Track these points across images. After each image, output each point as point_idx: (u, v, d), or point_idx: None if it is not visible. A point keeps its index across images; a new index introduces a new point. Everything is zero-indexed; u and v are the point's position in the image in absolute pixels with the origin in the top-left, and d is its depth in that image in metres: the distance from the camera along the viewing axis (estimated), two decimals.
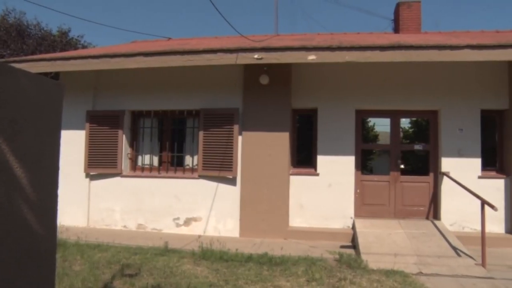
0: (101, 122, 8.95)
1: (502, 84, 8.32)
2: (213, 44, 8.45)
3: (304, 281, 5.20)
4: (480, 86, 8.36)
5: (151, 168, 9.12)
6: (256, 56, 7.63)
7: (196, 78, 8.76)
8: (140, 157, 9.25)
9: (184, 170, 8.96)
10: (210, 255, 6.26)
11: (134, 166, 9.20)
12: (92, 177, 9.00)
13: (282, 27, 57.49)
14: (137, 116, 9.29)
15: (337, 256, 6.50)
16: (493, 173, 8.44)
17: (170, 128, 9.20)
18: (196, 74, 8.69)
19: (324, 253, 6.77)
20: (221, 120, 8.54)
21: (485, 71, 8.28)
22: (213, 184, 8.56)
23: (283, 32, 12.83)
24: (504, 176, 8.27)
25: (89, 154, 8.90)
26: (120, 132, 8.91)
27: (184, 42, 10.14)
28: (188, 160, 9.04)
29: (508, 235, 8.03)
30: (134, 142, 9.19)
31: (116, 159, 8.85)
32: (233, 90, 8.61)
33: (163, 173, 8.96)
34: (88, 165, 8.89)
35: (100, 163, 8.87)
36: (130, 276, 5.20)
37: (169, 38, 11.67)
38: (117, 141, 8.89)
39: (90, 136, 8.94)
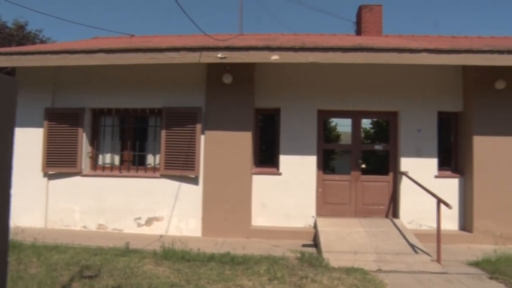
0: (60, 120, 8.71)
1: (457, 87, 8.64)
2: (177, 42, 8.38)
3: (266, 280, 5.23)
4: (437, 89, 8.65)
5: (112, 167, 8.96)
6: (219, 55, 7.61)
7: (158, 76, 8.66)
8: (101, 156, 9.07)
9: (146, 169, 8.84)
10: (172, 255, 6.22)
11: (94, 165, 9.01)
12: (51, 177, 8.75)
13: (247, 27, 57.55)
14: (98, 114, 9.09)
15: (299, 255, 6.58)
16: (449, 173, 8.74)
17: (132, 126, 9.05)
18: (159, 72, 8.59)
19: (286, 252, 6.83)
20: (183, 119, 8.47)
21: (442, 74, 8.56)
22: (175, 184, 8.49)
23: (248, 32, 12.83)
24: (459, 176, 8.59)
25: (47, 153, 8.64)
26: (80, 130, 8.69)
27: (147, 39, 10.00)
28: (150, 159, 8.93)
29: (462, 232, 8.36)
30: (94, 141, 8.99)
31: (75, 158, 8.64)
32: (196, 89, 8.56)
33: (124, 172, 8.81)
34: (47, 164, 8.64)
35: (59, 162, 8.63)
36: (90, 277, 5.09)
37: (132, 35, 11.48)
38: (77, 140, 8.67)
39: (48, 134, 8.68)
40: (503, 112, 8.21)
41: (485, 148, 8.18)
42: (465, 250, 7.43)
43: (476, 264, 6.36)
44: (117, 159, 9.08)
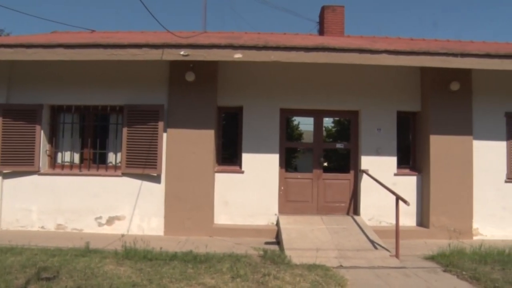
0: (16, 116, 8.41)
1: (416, 88, 8.93)
2: (139, 39, 8.24)
3: (229, 278, 5.24)
4: (397, 89, 8.90)
5: (72, 165, 8.74)
6: (182, 53, 7.56)
7: (120, 73, 8.51)
8: (60, 154, 8.81)
9: (106, 168, 8.68)
10: (134, 254, 6.14)
11: (53, 163, 8.76)
12: (5, 176, 8.44)
13: (210, 25, 57.17)
14: (57, 111, 8.84)
15: (261, 252, 6.63)
16: (407, 171, 9.01)
17: (92, 124, 8.84)
18: (121, 69, 8.44)
19: (249, 250, 6.85)
20: (145, 117, 8.37)
21: (401, 75, 8.82)
22: (137, 182, 8.38)
23: (211, 30, 12.77)
24: (417, 174, 8.88)
25: (2, 151, 8.33)
26: (37, 127, 8.43)
27: (108, 35, 9.79)
28: (111, 158, 8.77)
29: (419, 228, 8.64)
30: (53, 139, 8.74)
31: (33, 156, 8.37)
32: (159, 86, 8.47)
33: (84, 171, 8.62)
34: (1, 162, 8.32)
35: (14, 160, 8.34)
36: (47, 279, 4.95)
37: (93, 31, 11.21)
38: (34, 137, 8.41)
39: (3, 132, 8.36)
40: (457, 112, 8.55)
41: (440, 147, 8.48)
42: (422, 245, 7.69)
43: (432, 258, 6.63)
44: (77, 158, 8.86)
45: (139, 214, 8.34)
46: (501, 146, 8.70)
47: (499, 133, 8.71)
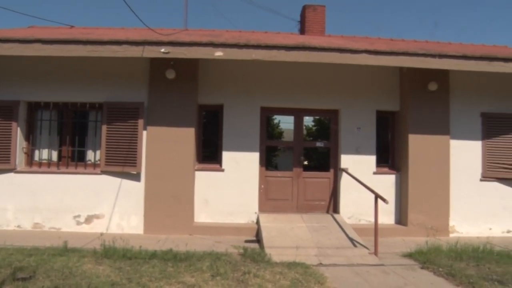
0: None
1: (395, 87, 9.06)
2: (119, 36, 8.15)
3: (209, 276, 5.23)
4: (376, 89, 9.01)
5: (49, 163, 8.59)
6: (163, 50, 7.51)
7: (100, 69, 8.41)
8: (37, 152, 8.66)
9: (85, 166, 8.57)
10: (113, 253, 6.07)
11: (30, 161, 8.60)
12: None
13: (192, 23, 56.90)
14: (34, 107, 8.67)
15: (241, 251, 6.62)
16: (386, 169, 9.13)
17: (71, 121, 8.71)
18: (101, 66, 8.35)
19: (229, 248, 6.85)
20: (125, 114, 8.28)
21: (381, 75, 8.92)
22: (116, 180, 8.29)
23: (193, 27, 12.70)
24: (395, 172, 9.00)
25: None
26: (14, 124, 8.27)
27: (88, 31, 9.66)
28: (90, 155, 8.66)
29: (398, 226, 8.77)
30: (30, 136, 8.58)
31: (9, 154, 8.21)
32: (139, 84, 8.40)
33: (62, 169, 8.49)
34: None
35: None
36: (24, 279, 4.84)
37: (72, 26, 11.04)
38: (10, 134, 8.24)
39: None
40: (435, 112, 8.70)
41: (418, 146, 8.62)
42: (400, 242, 7.82)
43: (409, 255, 6.75)
44: (55, 155, 8.71)
45: (119, 212, 8.26)
46: (476, 145, 8.89)
47: (475, 132, 8.90)
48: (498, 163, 8.85)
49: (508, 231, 8.80)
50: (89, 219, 8.25)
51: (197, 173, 8.56)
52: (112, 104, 8.32)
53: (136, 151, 8.23)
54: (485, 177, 8.86)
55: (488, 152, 8.87)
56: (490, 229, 8.75)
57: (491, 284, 5.27)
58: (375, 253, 6.71)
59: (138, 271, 5.35)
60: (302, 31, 12.33)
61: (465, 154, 8.78)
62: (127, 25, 11.49)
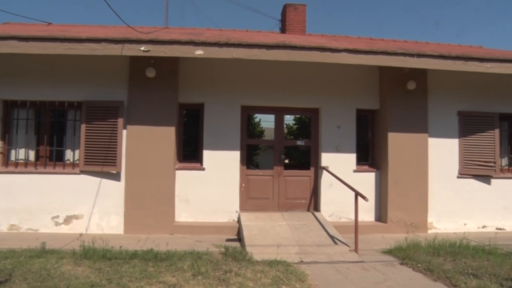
0: None
1: (374, 86, 9.16)
2: (98, 33, 8.04)
3: (190, 276, 5.22)
4: (356, 88, 9.10)
5: (26, 163, 8.43)
6: (142, 48, 7.44)
7: (78, 68, 8.29)
8: (13, 152, 8.48)
9: (64, 165, 8.43)
10: (92, 254, 5.99)
11: (6, 161, 8.42)
12: None
13: (172, 21, 56.52)
14: (10, 106, 8.49)
15: (222, 250, 6.62)
16: (366, 167, 9.24)
17: (49, 120, 8.56)
18: (79, 64, 8.23)
19: (210, 247, 6.84)
20: (104, 113, 8.19)
21: (361, 74, 9.02)
22: (96, 180, 8.20)
23: (173, 25, 12.62)
24: (375, 170, 9.12)
25: None
26: None
27: (65, 28, 9.50)
28: (69, 155, 8.53)
29: (377, 223, 8.89)
30: (6, 135, 8.41)
31: None
32: (118, 82, 8.30)
33: (40, 169, 8.34)
34: None
35: None
36: None
37: (49, 23, 10.85)
38: None
39: None
40: (414, 110, 8.85)
41: (398, 144, 8.75)
42: (380, 239, 7.93)
43: (389, 252, 6.85)
44: (32, 155, 8.55)
45: (98, 212, 8.16)
46: (454, 143, 9.06)
47: (452, 131, 9.07)
48: (474, 161, 9.04)
49: (484, 227, 9.02)
50: (68, 220, 8.13)
51: (178, 172, 8.52)
52: (91, 102, 8.21)
53: (116, 151, 8.14)
54: (461, 174, 9.04)
55: (464, 149, 9.05)
56: (465, 224, 8.95)
57: (467, 278, 5.39)
58: (356, 250, 6.79)
59: (118, 271, 5.30)
60: (283, 30, 12.37)
61: (443, 152, 8.95)
62: (106, 23, 11.31)
